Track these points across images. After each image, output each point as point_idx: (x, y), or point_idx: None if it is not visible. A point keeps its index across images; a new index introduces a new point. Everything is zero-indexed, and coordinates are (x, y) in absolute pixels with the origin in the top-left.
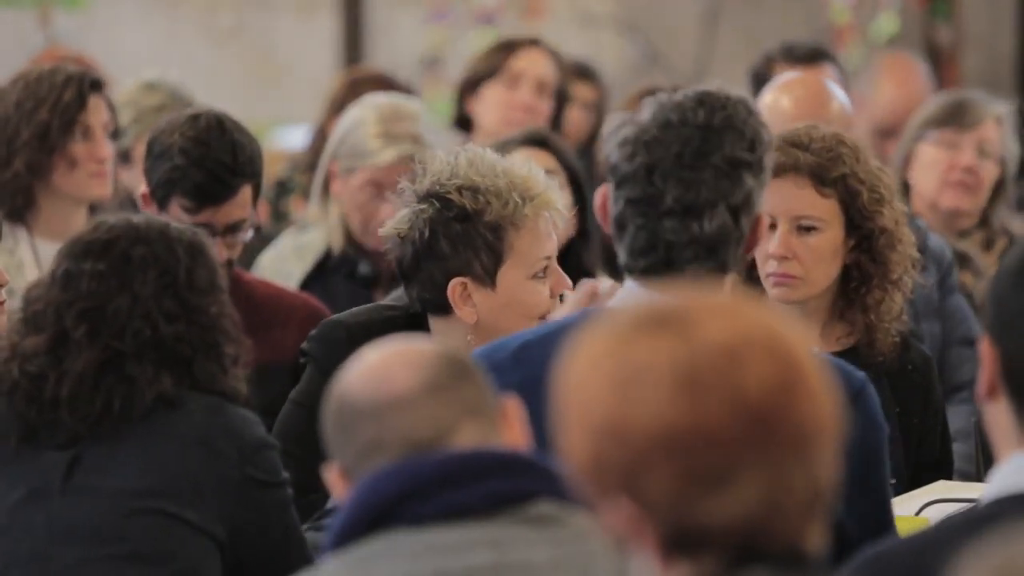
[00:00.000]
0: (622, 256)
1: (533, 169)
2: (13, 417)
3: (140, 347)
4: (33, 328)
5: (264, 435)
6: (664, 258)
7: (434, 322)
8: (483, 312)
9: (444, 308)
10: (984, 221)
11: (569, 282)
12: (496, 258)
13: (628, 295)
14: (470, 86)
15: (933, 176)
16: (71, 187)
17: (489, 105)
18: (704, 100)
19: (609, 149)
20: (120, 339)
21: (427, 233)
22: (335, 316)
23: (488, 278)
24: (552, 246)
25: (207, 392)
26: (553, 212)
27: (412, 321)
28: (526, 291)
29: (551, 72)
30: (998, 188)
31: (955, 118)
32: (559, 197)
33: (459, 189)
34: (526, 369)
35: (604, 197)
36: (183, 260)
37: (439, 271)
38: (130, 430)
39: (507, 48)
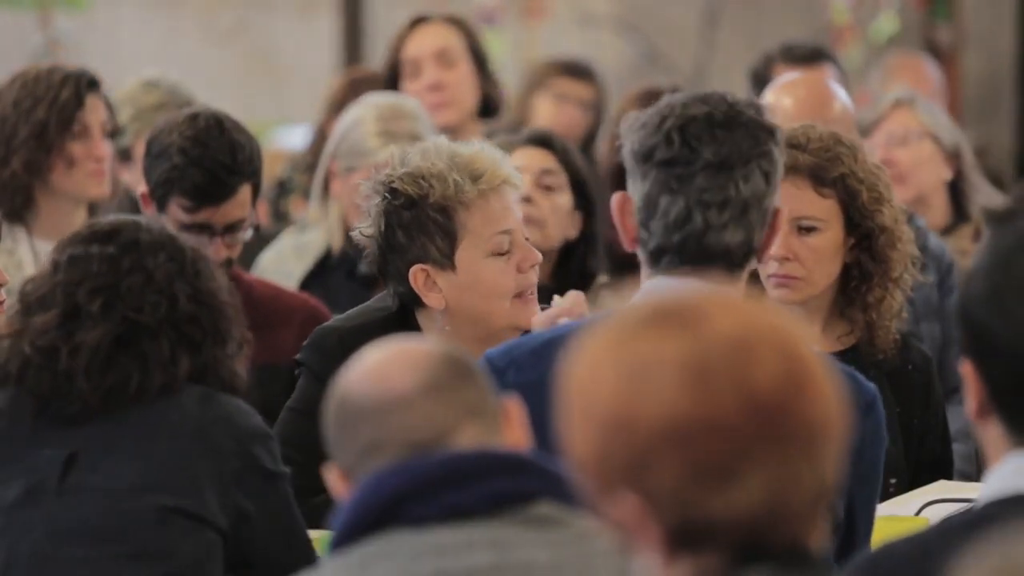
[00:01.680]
0: (653, 243)
1: (483, 148)
2: (23, 400)
3: (159, 322)
4: (39, 309)
5: (261, 424)
6: (701, 226)
7: (419, 315)
8: (450, 296)
9: (419, 299)
10: (962, 213)
11: (538, 255)
12: (450, 240)
13: (652, 290)
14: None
15: None
16: (69, 186)
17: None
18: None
19: (630, 139)
20: (139, 311)
21: (383, 226)
22: (328, 323)
23: (447, 261)
24: (511, 220)
25: (213, 376)
26: (505, 187)
27: (405, 319)
28: (487, 269)
29: (447, 38)
30: (956, 165)
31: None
32: (511, 172)
33: (402, 177)
34: (546, 365)
35: (620, 201)
36: (187, 250)
37: (402, 262)
38: (125, 426)
39: (396, 46)
